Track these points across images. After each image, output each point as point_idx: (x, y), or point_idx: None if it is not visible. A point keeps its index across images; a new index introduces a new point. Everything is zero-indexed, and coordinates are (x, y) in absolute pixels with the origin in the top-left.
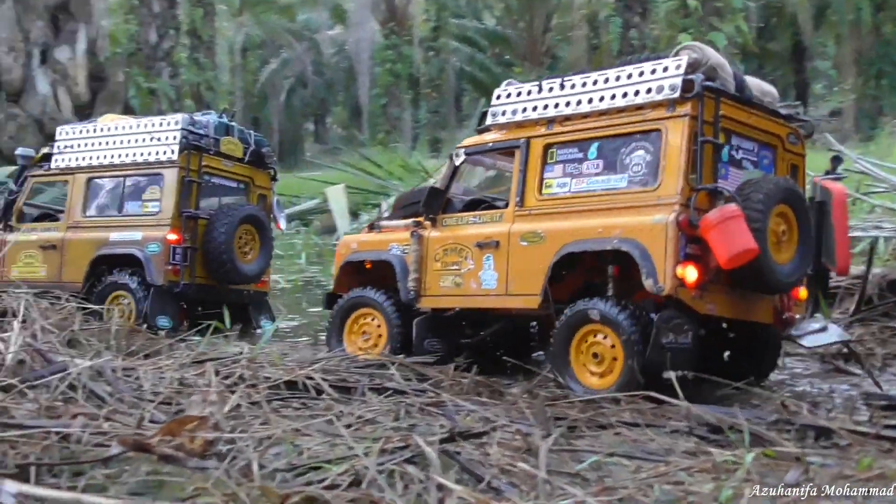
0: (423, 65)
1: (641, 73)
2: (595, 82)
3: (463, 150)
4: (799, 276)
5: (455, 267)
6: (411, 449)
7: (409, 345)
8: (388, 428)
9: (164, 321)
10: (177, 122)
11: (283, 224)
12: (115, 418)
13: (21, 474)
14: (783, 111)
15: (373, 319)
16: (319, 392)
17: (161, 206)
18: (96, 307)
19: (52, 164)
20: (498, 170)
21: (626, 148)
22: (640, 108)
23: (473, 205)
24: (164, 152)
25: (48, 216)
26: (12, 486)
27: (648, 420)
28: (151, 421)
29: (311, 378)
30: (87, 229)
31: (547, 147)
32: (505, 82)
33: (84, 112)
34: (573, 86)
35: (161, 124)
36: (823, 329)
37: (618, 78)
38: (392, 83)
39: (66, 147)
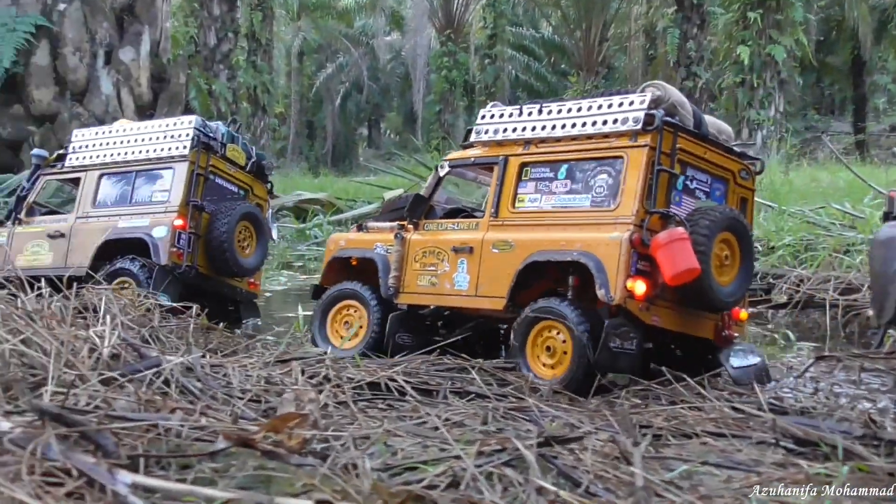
0: (478, 72)
1: (610, 105)
2: (570, 110)
3: (448, 162)
4: (738, 297)
5: (432, 268)
6: (508, 452)
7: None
8: (477, 431)
9: (164, 298)
10: (190, 122)
11: (274, 234)
12: (210, 413)
13: (132, 465)
14: (737, 149)
15: (355, 311)
16: (402, 394)
17: (170, 196)
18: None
19: (67, 163)
20: (478, 183)
21: (592, 171)
22: (606, 136)
23: (453, 213)
24: (177, 148)
25: (56, 213)
26: (126, 477)
27: (733, 430)
28: (242, 417)
29: (393, 380)
30: (96, 219)
31: (522, 165)
32: (490, 104)
33: (146, 112)
34: (550, 112)
35: (176, 123)
36: (750, 352)
37: (589, 108)
38: (447, 90)
39: (80, 147)
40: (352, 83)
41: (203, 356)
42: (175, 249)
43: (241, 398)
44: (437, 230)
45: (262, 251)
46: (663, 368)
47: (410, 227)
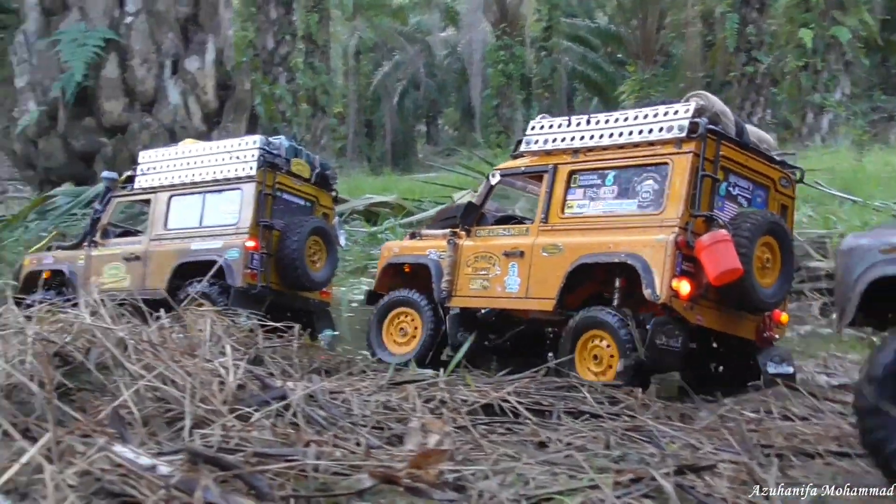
0: (534, 65)
1: (656, 115)
2: (616, 120)
3: (499, 172)
4: (779, 298)
5: (484, 272)
6: (645, 483)
7: (441, 341)
8: (600, 455)
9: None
10: (255, 142)
11: (342, 241)
12: (340, 445)
13: None
14: (778, 158)
15: (409, 318)
16: (516, 415)
17: (240, 217)
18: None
19: (136, 185)
20: (528, 192)
21: (638, 177)
22: (651, 144)
23: (504, 220)
24: (244, 169)
25: (129, 234)
26: None
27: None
28: (372, 447)
29: (506, 401)
30: (170, 241)
31: (571, 173)
32: (539, 116)
33: (213, 120)
34: (598, 122)
35: (241, 144)
36: (786, 360)
37: (636, 117)
38: (504, 84)
39: (149, 169)
40: (409, 80)
41: (323, 381)
42: (249, 271)
43: (364, 426)
44: (489, 236)
45: (333, 263)
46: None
47: (463, 233)
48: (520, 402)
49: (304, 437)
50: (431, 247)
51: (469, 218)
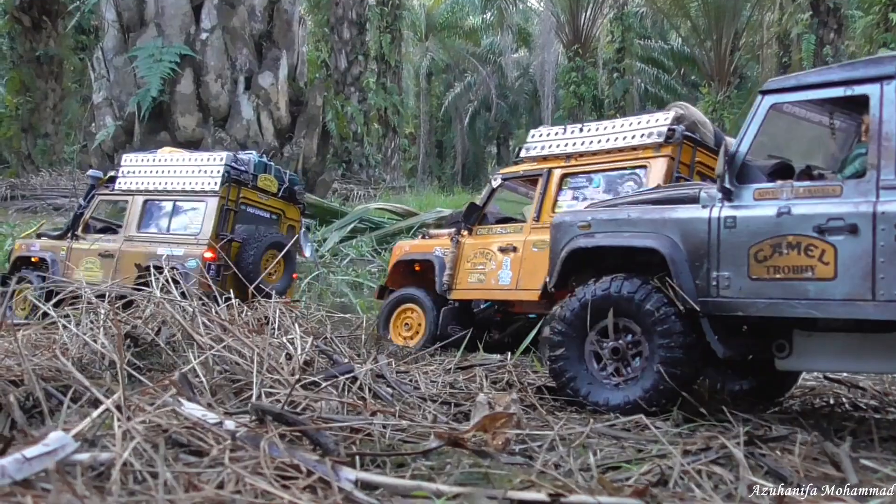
0: (607, 86)
1: (639, 122)
2: (605, 127)
3: (500, 175)
4: None
5: (481, 267)
6: (715, 450)
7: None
8: (669, 433)
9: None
10: (222, 158)
11: (307, 252)
12: (408, 417)
13: (351, 463)
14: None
15: (413, 313)
16: None
17: (201, 228)
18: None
19: (117, 186)
20: (528, 197)
21: (621, 179)
22: (634, 148)
23: (504, 221)
24: (209, 183)
25: (109, 229)
26: (350, 473)
27: None
28: (438, 420)
29: None
30: (140, 242)
31: (563, 176)
32: (541, 127)
33: (285, 135)
34: (589, 130)
35: (208, 159)
36: None
37: (622, 125)
38: (576, 105)
39: (129, 172)
40: (480, 101)
41: (389, 363)
42: (205, 280)
43: (433, 401)
44: (488, 234)
45: (289, 276)
46: None
47: (465, 232)
48: None
49: (371, 407)
50: (438, 245)
51: (471, 218)
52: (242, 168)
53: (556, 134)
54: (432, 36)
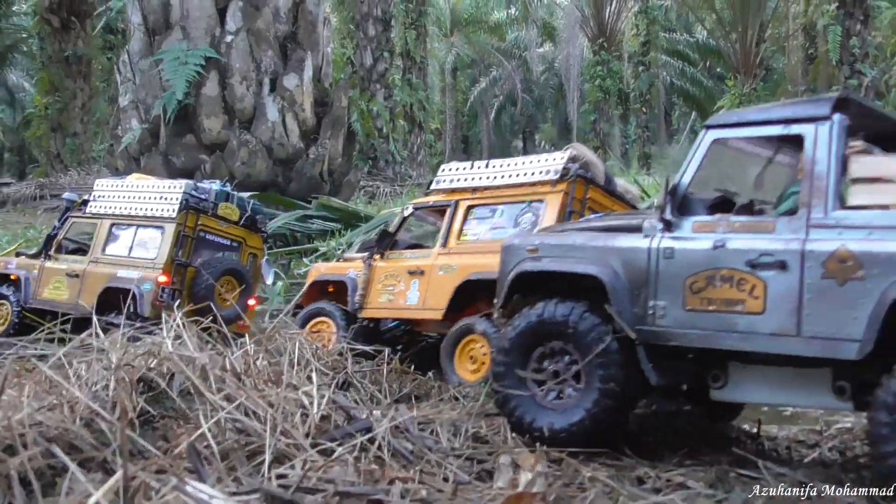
0: (632, 80)
1: (539, 161)
2: (509, 165)
3: (412, 205)
4: None
5: (391, 287)
6: None
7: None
8: (702, 495)
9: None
10: (180, 187)
11: (269, 280)
12: (426, 481)
13: None
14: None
15: (326, 325)
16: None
17: (158, 253)
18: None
19: (88, 209)
20: (434, 225)
21: (521, 212)
22: (533, 184)
23: (414, 247)
24: (168, 210)
25: (80, 250)
26: None
27: None
28: (457, 482)
29: None
30: (104, 264)
31: (469, 207)
32: (450, 163)
33: (310, 136)
34: (493, 166)
35: (169, 187)
36: None
37: (523, 163)
38: (601, 99)
39: (99, 196)
40: (505, 96)
41: (410, 411)
42: (159, 302)
43: (456, 456)
44: (399, 258)
45: (244, 302)
46: None
47: (377, 256)
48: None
49: (389, 474)
50: (351, 267)
51: (384, 243)
52: (202, 196)
53: (465, 169)
54: (457, 31)
